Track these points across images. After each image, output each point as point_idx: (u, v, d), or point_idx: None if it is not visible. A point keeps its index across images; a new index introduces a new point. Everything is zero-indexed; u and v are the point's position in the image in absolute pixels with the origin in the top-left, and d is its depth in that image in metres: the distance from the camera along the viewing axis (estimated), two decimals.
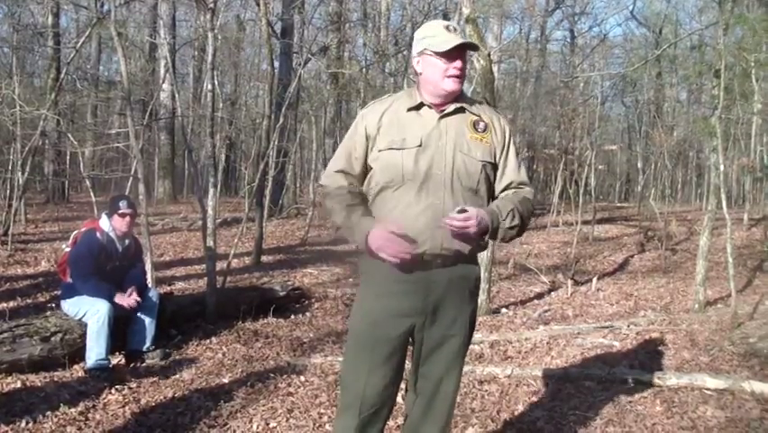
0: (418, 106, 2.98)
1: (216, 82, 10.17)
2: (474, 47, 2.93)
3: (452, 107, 2.97)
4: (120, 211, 5.87)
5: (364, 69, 19.31)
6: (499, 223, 2.91)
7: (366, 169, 3.01)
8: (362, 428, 3.05)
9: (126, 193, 10.28)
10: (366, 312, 3.03)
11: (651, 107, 25.70)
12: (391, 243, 2.82)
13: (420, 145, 2.89)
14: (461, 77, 2.93)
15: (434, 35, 2.92)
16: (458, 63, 2.90)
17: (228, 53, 23.98)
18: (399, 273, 2.93)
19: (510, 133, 3.11)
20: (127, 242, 6.03)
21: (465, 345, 3.11)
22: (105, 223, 5.94)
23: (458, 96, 3.00)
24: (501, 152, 3.04)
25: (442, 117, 2.96)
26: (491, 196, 3.06)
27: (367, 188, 3.04)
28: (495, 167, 3.02)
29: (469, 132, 2.97)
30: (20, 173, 11.34)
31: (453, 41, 2.88)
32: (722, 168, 7.92)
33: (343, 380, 3.17)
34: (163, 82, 18.70)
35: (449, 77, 2.91)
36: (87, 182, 12.77)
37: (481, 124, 3.00)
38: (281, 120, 11.67)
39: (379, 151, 2.93)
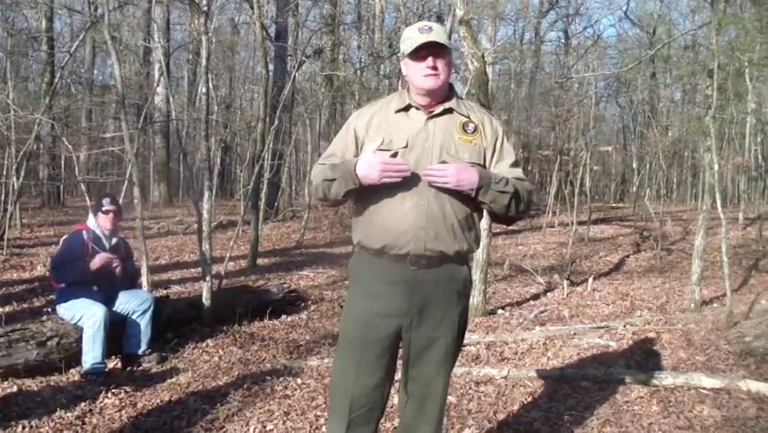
0: (407, 108, 3.00)
1: (211, 85, 10.19)
2: (438, 44, 2.93)
3: (439, 108, 2.99)
4: (103, 209, 5.93)
5: (359, 72, 19.33)
6: (490, 181, 2.90)
7: None
8: (353, 430, 3.07)
9: (122, 197, 10.28)
10: (354, 313, 3.07)
11: (645, 107, 25.71)
12: (379, 162, 2.84)
13: (406, 146, 2.92)
14: (437, 74, 2.94)
15: (409, 38, 2.96)
16: (429, 61, 2.93)
17: (223, 56, 23.99)
18: (385, 274, 2.97)
19: (503, 133, 3.11)
20: (115, 240, 6.05)
21: (454, 347, 3.12)
22: (91, 222, 6.02)
23: (448, 98, 3.03)
24: (492, 153, 3.05)
25: (429, 118, 2.98)
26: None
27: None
28: (484, 168, 3.01)
29: (457, 133, 2.98)
30: (15, 178, 11.33)
31: (419, 41, 2.92)
32: (716, 167, 7.93)
33: (333, 381, 3.19)
34: (158, 86, 18.65)
35: (425, 76, 2.94)
36: (83, 186, 12.73)
37: (471, 126, 3.01)
38: (276, 123, 11.70)
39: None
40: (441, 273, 3.00)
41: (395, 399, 3.46)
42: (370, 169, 2.84)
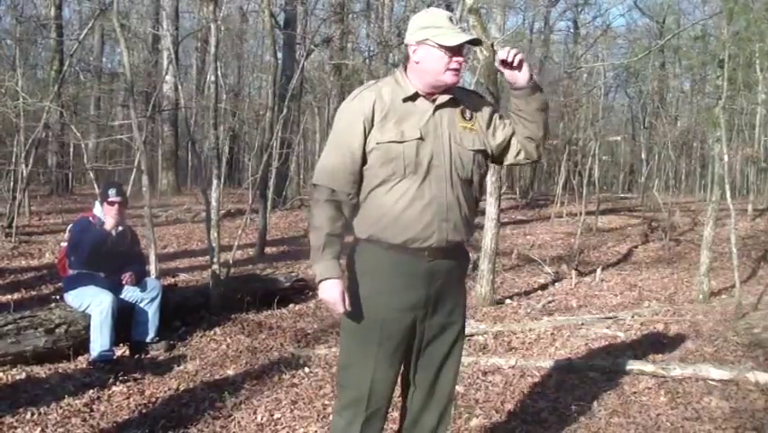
0: (413, 97, 2.95)
1: (219, 74, 10.16)
2: (480, 42, 2.93)
3: (445, 98, 2.95)
4: (109, 199, 5.90)
5: (367, 60, 19.28)
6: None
7: (363, 160, 2.91)
8: (367, 424, 3.04)
9: (130, 185, 10.30)
10: (370, 310, 2.97)
11: (654, 98, 25.59)
12: (335, 302, 2.90)
13: (420, 138, 2.87)
14: (460, 70, 2.92)
15: (439, 26, 2.87)
16: (460, 58, 2.89)
17: (231, 45, 23.97)
18: (404, 268, 2.92)
19: (493, 107, 3.16)
20: (121, 228, 6.04)
21: (463, 332, 3.13)
22: (97, 209, 6.01)
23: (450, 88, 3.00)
24: (491, 121, 3.07)
25: (437, 108, 2.94)
26: (481, 185, 3.09)
27: (366, 181, 2.94)
28: (485, 154, 3.02)
29: (459, 122, 2.96)
30: (23, 165, 11.36)
31: (462, 36, 2.87)
32: (726, 158, 7.91)
33: (347, 377, 3.09)
34: (166, 74, 18.65)
35: (450, 69, 2.88)
36: (91, 174, 12.77)
37: (468, 113, 3.00)
38: (284, 111, 11.68)
39: (378, 143, 2.87)
40: (453, 262, 3.00)
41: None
42: (325, 294, 2.91)
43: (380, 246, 2.94)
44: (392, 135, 2.87)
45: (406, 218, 2.86)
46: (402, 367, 3.14)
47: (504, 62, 2.91)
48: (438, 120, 2.92)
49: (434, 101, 2.94)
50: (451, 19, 2.91)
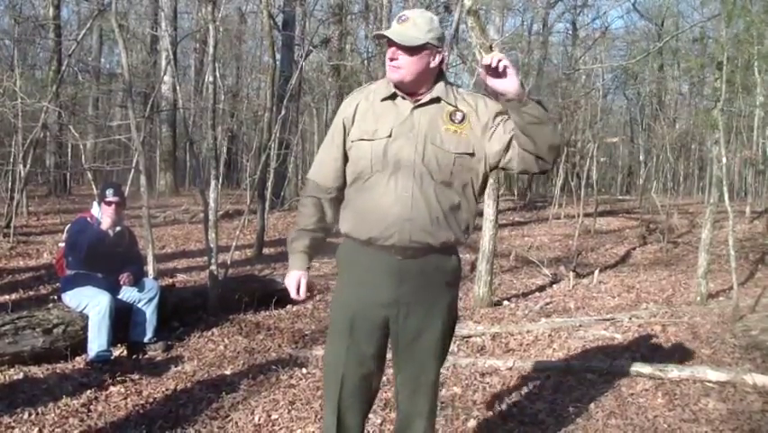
0: (393, 96, 2.96)
1: (218, 74, 10.16)
2: (386, 37, 2.88)
3: (426, 98, 2.95)
4: (107, 199, 5.88)
5: (366, 62, 19.28)
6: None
7: (346, 158, 3.05)
8: (343, 418, 3.08)
9: (128, 185, 10.29)
10: (343, 301, 3.11)
11: (653, 100, 25.67)
12: (289, 287, 3.20)
13: (390, 136, 2.89)
14: (398, 67, 2.87)
15: (390, 26, 2.93)
16: (390, 53, 2.89)
17: (230, 45, 23.96)
18: (373, 263, 2.96)
19: (500, 112, 2.96)
20: (119, 228, 6.02)
21: (444, 337, 3.10)
22: (95, 209, 6.00)
23: (437, 86, 2.97)
24: (489, 130, 2.95)
25: (415, 108, 2.94)
26: (473, 190, 3.01)
27: (347, 178, 3.06)
28: (474, 157, 2.95)
29: (444, 123, 2.93)
30: (21, 166, 11.34)
31: (381, 31, 2.92)
32: (724, 160, 7.90)
33: (325, 370, 3.21)
34: (164, 74, 18.65)
35: (389, 66, 2.91)
36: (89, 175, 12.77)
37: (458, 115, 2.95)
38: (283, 112, 11.66)
39: (352, 141, 2.96)
40: (428, 263, 2.97)
41: (391, 392, 3.46)
42: (285, 280, 3.26)
43: (356, 242, 3.02)
44: (365, 133, 2.94)
45: (372, 216, 2.91)
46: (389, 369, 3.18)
47: (488, 68, 2.76)
48: (416, 120, 2.92)
49: (416, 101, 2.95)
50: (398, 18, 2.92)
